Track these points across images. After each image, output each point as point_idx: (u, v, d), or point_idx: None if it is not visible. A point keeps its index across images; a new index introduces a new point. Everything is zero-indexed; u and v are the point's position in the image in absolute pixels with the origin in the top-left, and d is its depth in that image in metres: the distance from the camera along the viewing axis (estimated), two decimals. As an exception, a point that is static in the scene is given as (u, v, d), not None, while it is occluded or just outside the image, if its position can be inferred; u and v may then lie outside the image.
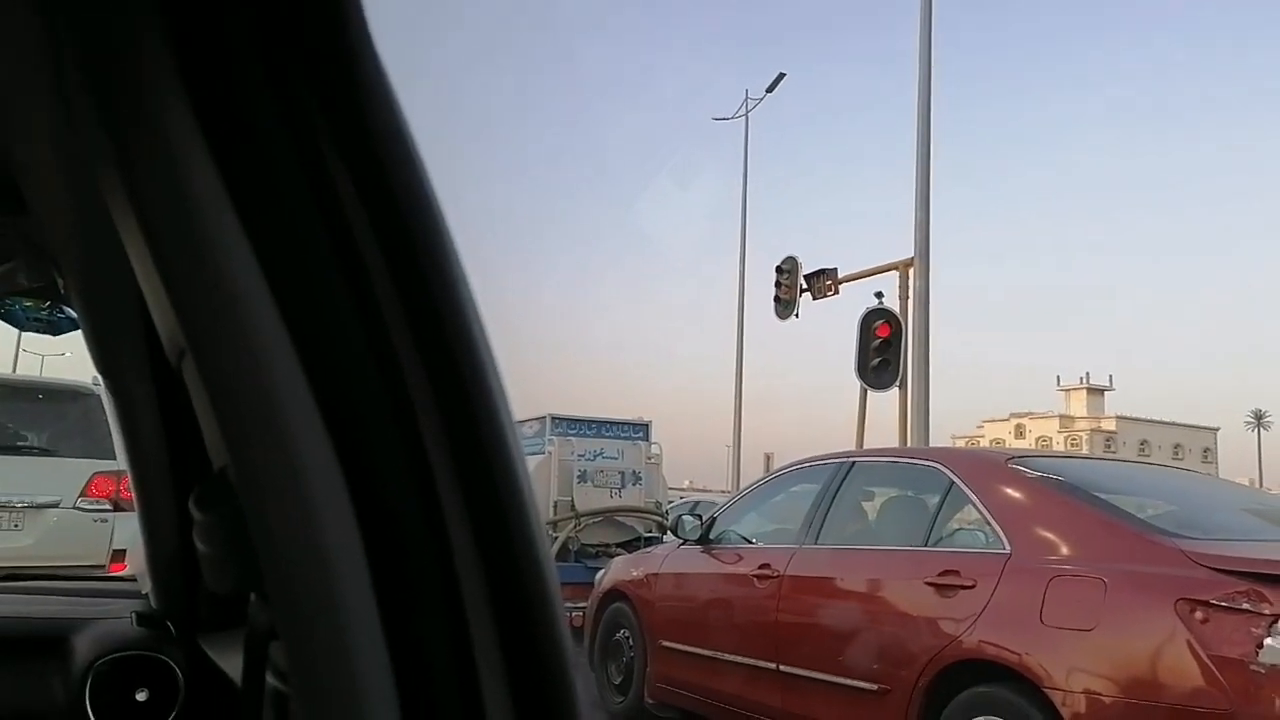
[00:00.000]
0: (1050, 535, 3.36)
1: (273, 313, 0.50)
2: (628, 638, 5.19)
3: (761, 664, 4.18)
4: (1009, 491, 3.61)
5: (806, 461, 4.80)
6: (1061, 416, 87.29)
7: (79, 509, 6.54)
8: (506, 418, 0.53)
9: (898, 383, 11.45)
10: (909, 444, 11.01)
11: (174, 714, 1.26)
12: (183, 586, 1.26)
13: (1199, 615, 2.81)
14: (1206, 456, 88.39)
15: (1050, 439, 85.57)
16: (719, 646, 4.47)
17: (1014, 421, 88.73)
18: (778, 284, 14.39)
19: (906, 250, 11.99)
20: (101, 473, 6.49)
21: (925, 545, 3.76)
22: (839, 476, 4.35)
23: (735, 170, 26.66)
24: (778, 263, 14.62)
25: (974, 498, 3.65)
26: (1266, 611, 2.71)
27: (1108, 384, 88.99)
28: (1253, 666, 2.68)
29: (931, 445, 11.09)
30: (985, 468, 3.84)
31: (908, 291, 11.79)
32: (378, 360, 0.51)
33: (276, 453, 0.49)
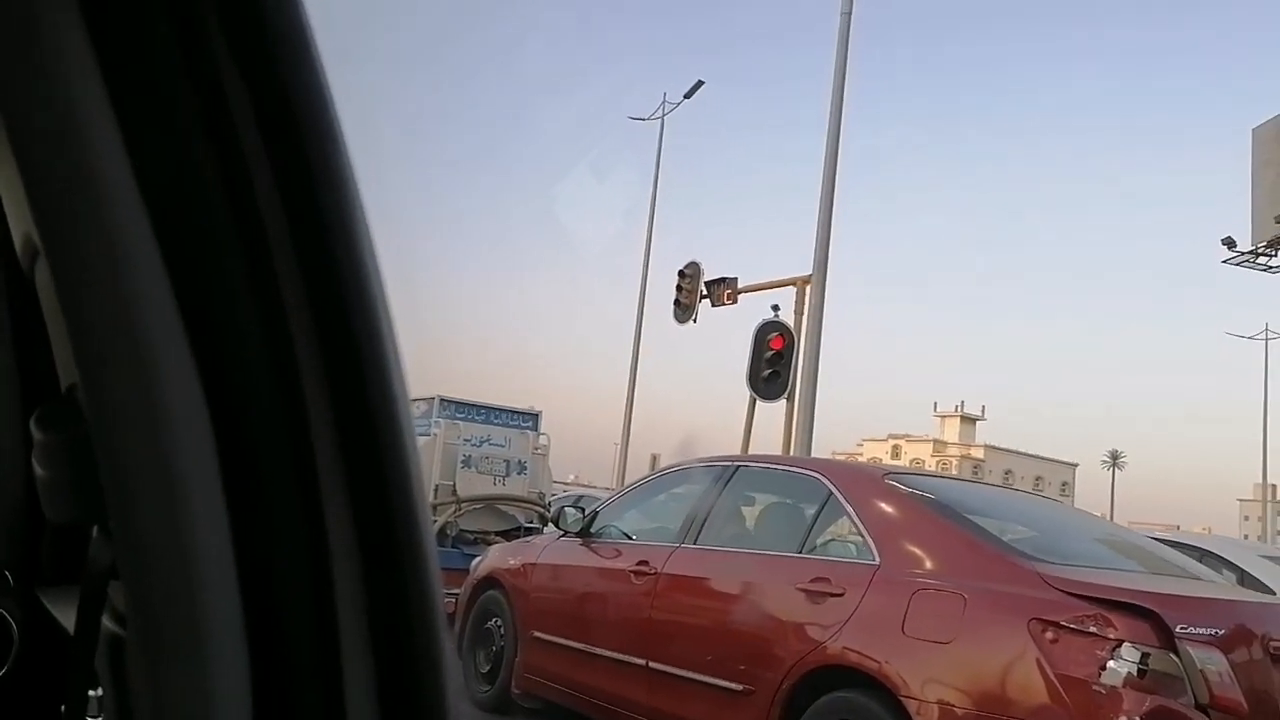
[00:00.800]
0: (918, 550, 3.48)
1: (143, 220, 0.45)
2: (499, 626, 5.13)
3: (632, 659, 4.19)
4: (883, 506, 3.72)
5: (692, 462, 4.84)
6: (935, 441, 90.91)
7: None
8: (395, 367, 0.50)
9: (786, 394, 11.65)
10: (792, 453, 11.29)
11: (4, 669, 1.17)
12: (23, 532, 1.16)
13: (1049, 635, 2.95)
14: (1064, 490, 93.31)
15: (923, 461, 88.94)
16: (591, 640, 4.46)
17: (891, 442, 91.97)
18: (679, 288, 14.45)
19: (804, 268, 12.23)
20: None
21: (800, 552, 3.85)
22: (723, 479, 4.40)
23: (649, 171, 26.71)
24: (680, 267, 14.72)
25: (850, 509, 3.75)
26: (1111, 635, 2.86)
27: (980, 414, 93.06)
28: (1095, 687, 2.83)
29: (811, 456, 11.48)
30: (863, 481, 3.95)
31: (803, 307, 12.00)
32: (257, 285, 0.47)
33: (132, 371, 0.45)
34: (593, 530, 4.82)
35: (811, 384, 11.56)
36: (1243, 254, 27.45)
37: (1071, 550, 3.67)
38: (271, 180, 0.47)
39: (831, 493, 3.88)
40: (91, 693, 0.70)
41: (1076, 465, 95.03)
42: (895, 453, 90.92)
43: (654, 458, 26.29)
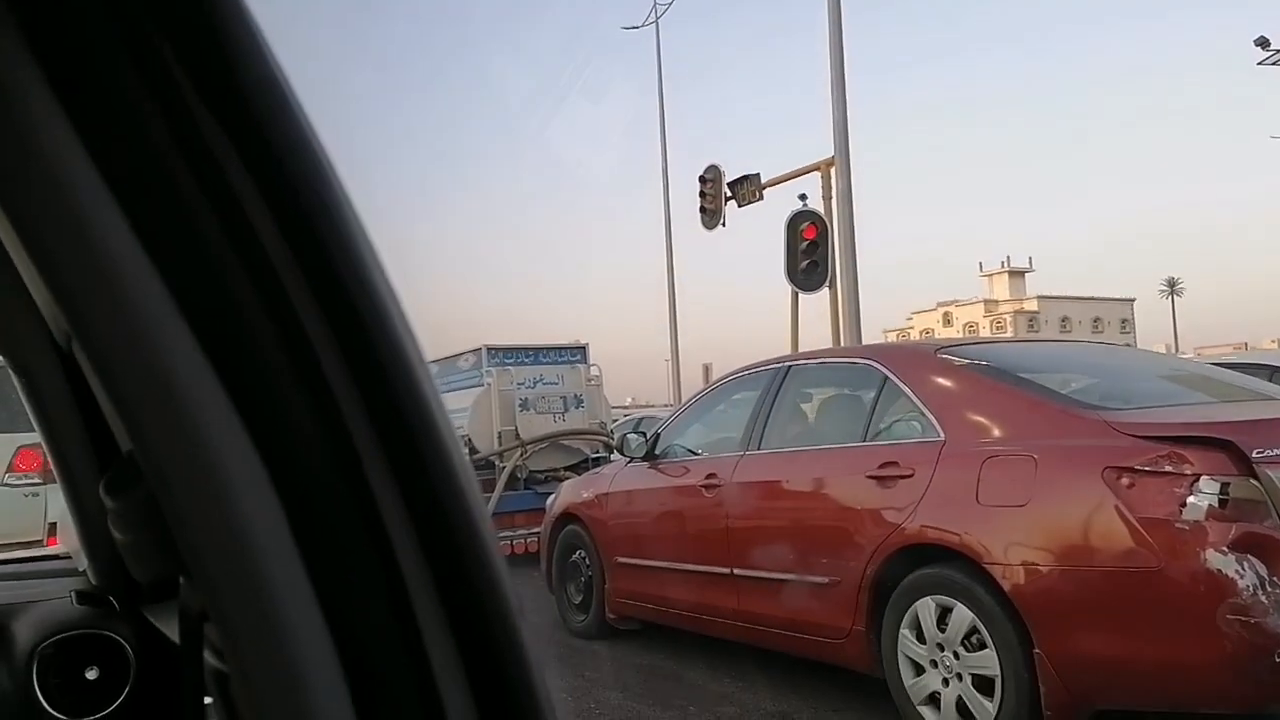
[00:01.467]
0: (981, 419, 3.47)
1: (156, 285, 0.46)
2: (584, 558, 5.26)
3: (715, 570, 4.28)
4: (940, 381, 3.70)
5: (744, 370, 4.85)
6: (986, 301, 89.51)
7: (7, 485, 6.34)
8: (422, 370, 0.50)
9: (827, 283, 11.48)
10: (842, 342, 11.14)
11: (127, 689, 1.24)
12: (120, 560, 1.22)
13: (1125, 481, 2.94)
14: (1124, 327, 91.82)
15: (976, 324, 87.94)
16: (673, 558, 4.56)
17: (941, 310, 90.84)
18: (702, 194, 14.25)
19: (827, 150, 11.87)
20: (25, 446, 6.28)
21: (864, 440, 3.86)
22: (776, 381, 4.41)
23: (650, 82, 26.15)
24: (700, 173, 14.42)
25: (907, 390, 3.74)
26: (1188, 471, 2.85)
27: (1028, 265, 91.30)
28: (1177, 524, 2.82)
29: (864, 341, 11.28)
30: (916, 360, 3.92)
31: (830, 191, 11.71)
32: (274, 322, 0.48)
33: (176, 434, 0.46)
34: (657, 452, 4.88)
35: (851, 268, 11.30)
36: (1276, 51, 26.53)
37: (1136, 393, 3.62)
38: (268, 215, 0.47)
39: (887, 377, 3.87)
40: (207, 700, 0.72)
41: (1134, 300, 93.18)
42: (946, 320, 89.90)
43: (706, 368, 26.33)
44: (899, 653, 3.47)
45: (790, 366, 4.50)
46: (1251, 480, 2.81)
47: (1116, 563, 2.92)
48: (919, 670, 3.41)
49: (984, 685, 3.20)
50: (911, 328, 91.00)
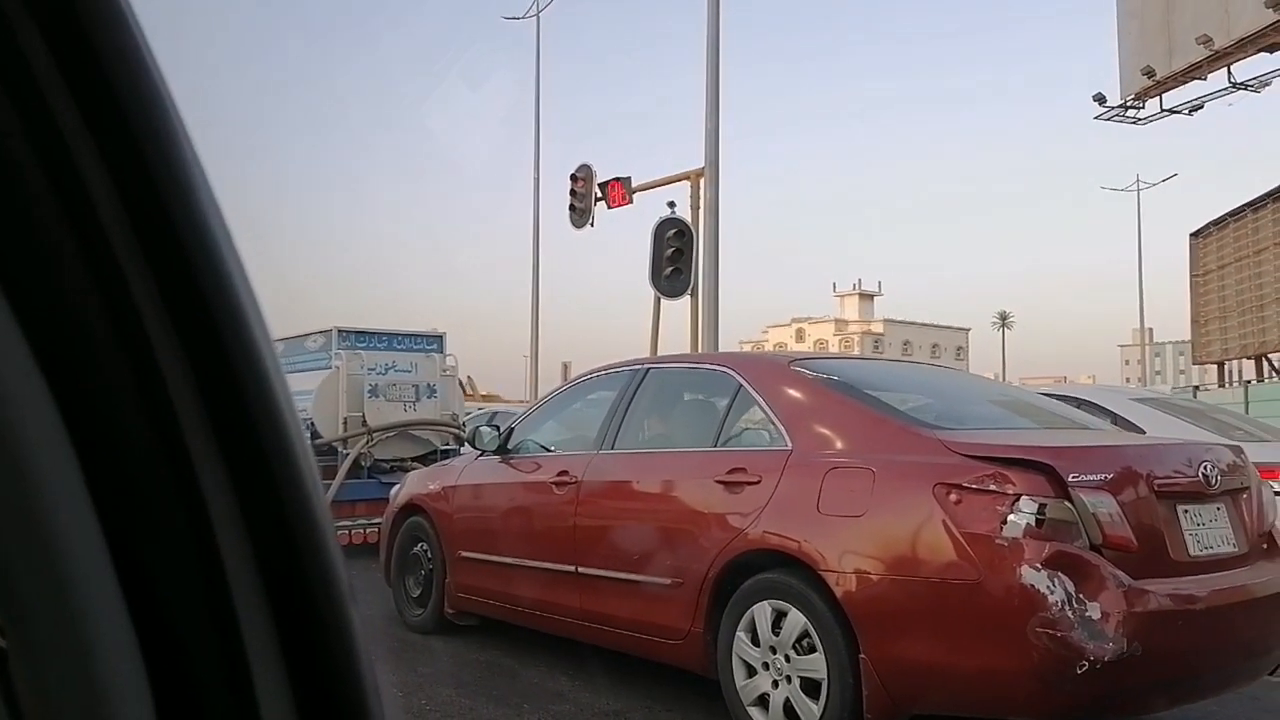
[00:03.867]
0: (827, 431, 3.59)
1: None
2: (426, 551, 5.14)
3: (561, 568, 4.26)
4: (791, 392, 3.81)
5: (603, 369, 4.85)
6: (837, 320, 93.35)
7: None
8: (261, 336, 0.47)
9: (689, 290, 11.61)
10: (700, 349, 11.31)
11: None
12: None
13: (953, 497, 3.10)
14: (959, 354, 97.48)
15: (826, 341, 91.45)
16: (519, 553, 4.51)
17: (795, 326, 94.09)
18: (572, 192, 14.15)
19: (697, 161, 12.03)
20: None
21: (716, 445, 3.93)
22: (634, 383, 4.43)
23: (530, 74, 25.83)
24: (572, 170, 14.37)
25: (759, 399, 3.83)
26: (1009, 491, 3.03)
27: (877, 289, 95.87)
28: (998, 540, 2.99)
29: (721, 350, 11.58)
30: (770, 370, 4.03)
31: (699, 201, 11.88)
32: (89, 265, 0.44)
33: None
34: (510, 446, 4.83)
35: (713, 277, 11.51)
36: (1113, 108, 27.59)
37: (969, 415, 3.84)
38: (91, 141, 0.43)
39: (741, 385, 3.95)
40: None
41: (969, 330, 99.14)
42: (799, 335, 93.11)
43: (565, 366, 26.35)
44: (733, 655, 3.55)
45: (649, 369, 4.53)
46: (1066, 502, 3.01)
47: (940, 574, 3.08)
48: (751, 672, 3.50)
49: (811, 688, 3.31)
50: (766, 340, 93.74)
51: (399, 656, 4.69)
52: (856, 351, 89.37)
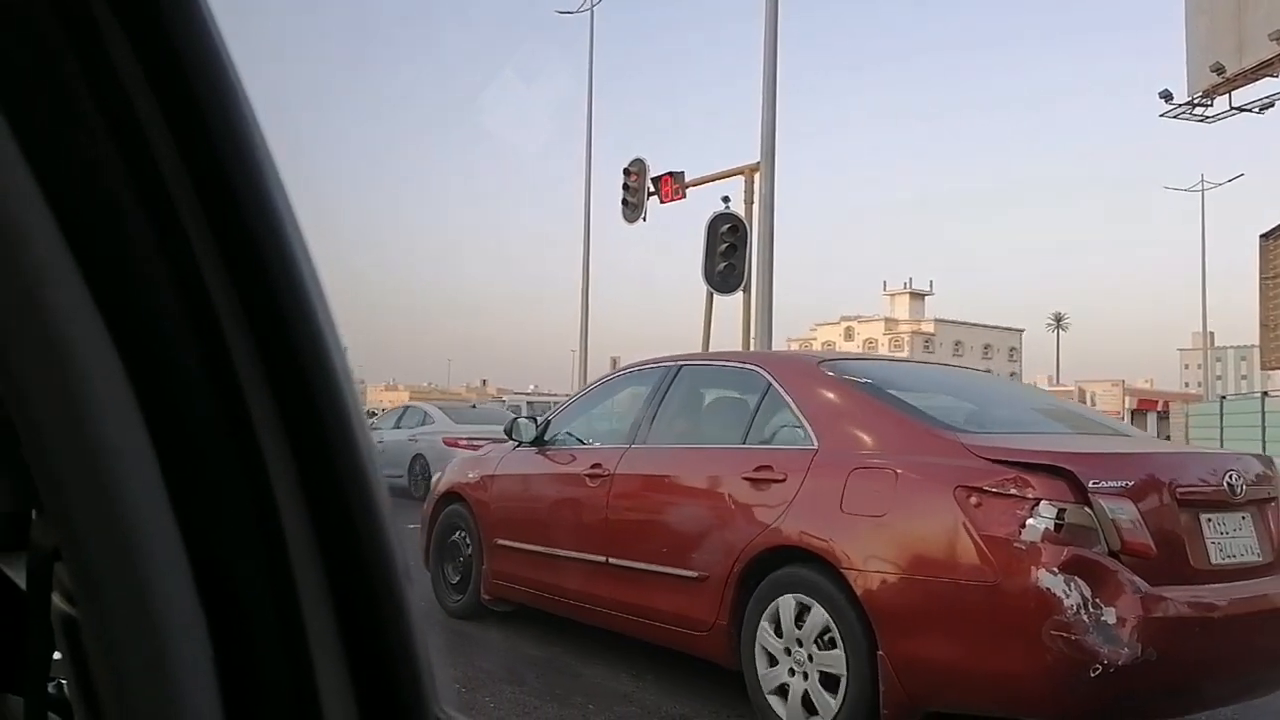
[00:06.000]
0: (852, 431, 3.66)
1: (40, 205, 0.43)
2: (464, 538, 5.30)
3: (592, 558, 4.38)
4: (819, 392, 3.88)
5: (638, 365, 4.96)
6: (886, 319, 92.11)
7: None
8: (325, 318, 0.48)
9: (742, 286, 11.52)
10: (752, 346, 11.22)
11: None
12: None
13: (973, 500, 3.15)
14: (1012, 356, 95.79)
15: (876, 340, 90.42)
16: (553, 543, 4.64)
17: (844, 325, 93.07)
18: (625, 186, 14.17)
19: (748, 159, 11.95)
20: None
21: (744, 443, 4.02)
22: (668, 379, 4.53)
23: (583, 67, 25.84)
24: (625, 165, 14.35)
25: (788, 398, 3.91)
26: (1029, 495, 3.07)
27: (928, 288, 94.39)
28: (1016, 544, 3.04)
29: (773, 347, 11.41)
30: (799, 370, 4.10)
31: (753, 196, 11.75)
32: (168, 254, 0.46)
33: (43, 350, 0.43)
34: (546, 438, 4.96)
35: (767, 274, 11.32)
36: (1179, 106, 27.16)
37: (993, 418, 3.88)
38: (173, 144, 0.45)
39: (770, 384, 4.03)
40: (56, 656, 0.67)
41: (1023, 331, 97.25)
42: (848, 335, 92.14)
43: (614, 361, 26.26)
44: (757, 645, 3.63)
45: (682, 366, 4.63)
46: (1085, 508, 3.05)
47: (958, 575, 3.14)
48: (773, 662, 3.58)
49: (830, 682, 3.38)
50: (814, 339, 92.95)
51: (458, 651, 4.69)
52: (906, 351, 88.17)
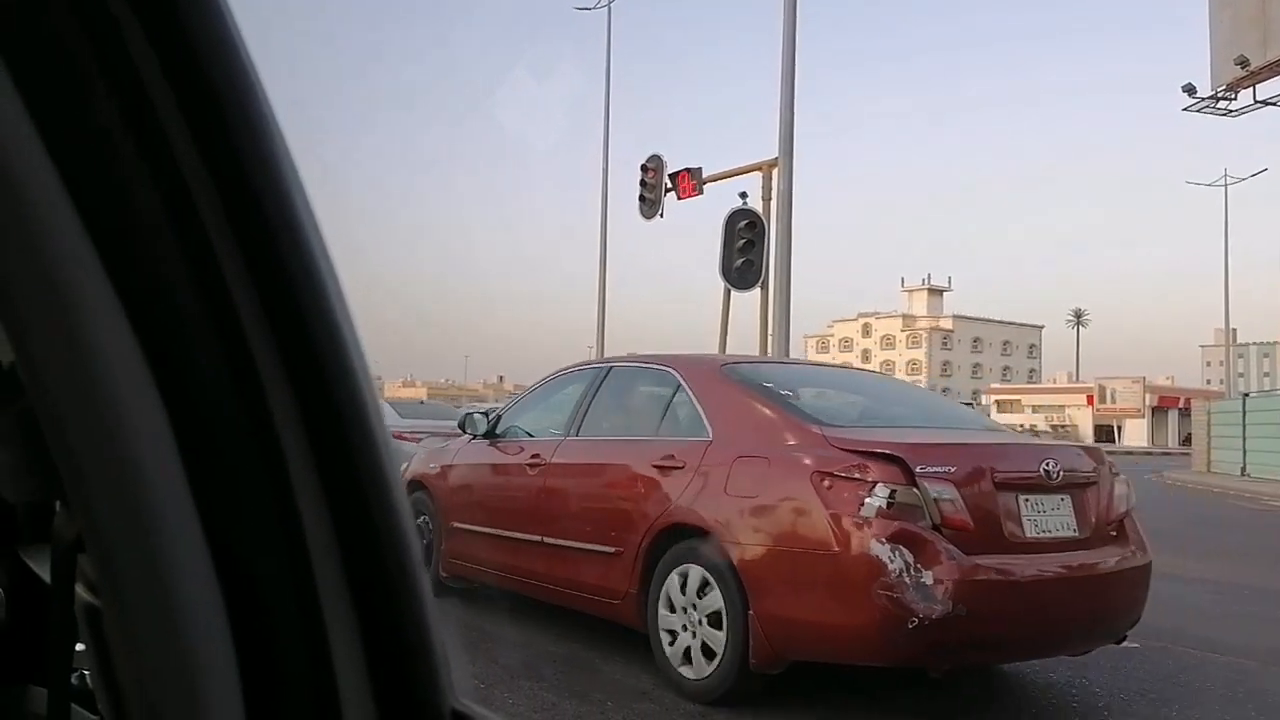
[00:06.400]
0: (739, 425, 4.25)
1: (62, 196, 0.44)
2: (427, 523, 5.93)
3: (530, 538, 4.99)
4: (717, 391, 4.47)
5: (578, 366, 5.57)
6: (904, 316, 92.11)
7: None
8: (344, 315, 0.49)
9: (759, 283, 11.40)
10: (769, 343, 11.12)
11: None
12: None
13: (826, 483, 3.73)
14: (1032, 352, 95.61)
15: (894, 337, 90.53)
16: (498, 525, 5.26)
17: (861, 321, 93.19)
18: (642, 183, 14.09)
19: (769, 154, 11.66)
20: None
21: (656, 435, 4.61)
22: (599, 379, 5.14)
23: (599, 64, 25.65)
24: (642, 161, 14.15)
25: (692, 396, 4.51)
26: (868, 479, 3.65)
27: (946, 285, 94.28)
28: (855, 519, 3.62)
29: (791, 343, 11.15)
30: (704, 372, 4.69)
31: (771, 192, 11.64)
32: (190, 253, 0.47)
33: (66, 343, 0.44)
34: (497, 431, 5.58)
35: (785, 270, 11.11)
36: (1203, 100, 26.93)
37: (864, 414, 4.46)
38: (196, 153, 0.46)
39: (680, 384, 4.63)
40: (79, 646, 0.68)
41: (1042, 327, 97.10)
42: (866, 330, 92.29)
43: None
44: (659, 609, 4.23)
45: (612, 366, 5.24)
46: (914, 489, 3.63)
47: (810, 546, 3.72)
48: (670, 624, 4.17)
49: (715, 639, 3.97)
50: (831, 335, 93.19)
51: (476, 648, 4.72)
52: (924, 348, 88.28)
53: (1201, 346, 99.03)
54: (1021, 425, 69.52)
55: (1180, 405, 71.87)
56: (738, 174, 12.70)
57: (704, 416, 4.39)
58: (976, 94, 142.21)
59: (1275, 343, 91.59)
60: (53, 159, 0.44)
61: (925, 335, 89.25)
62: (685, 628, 4.10)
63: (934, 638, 3.50)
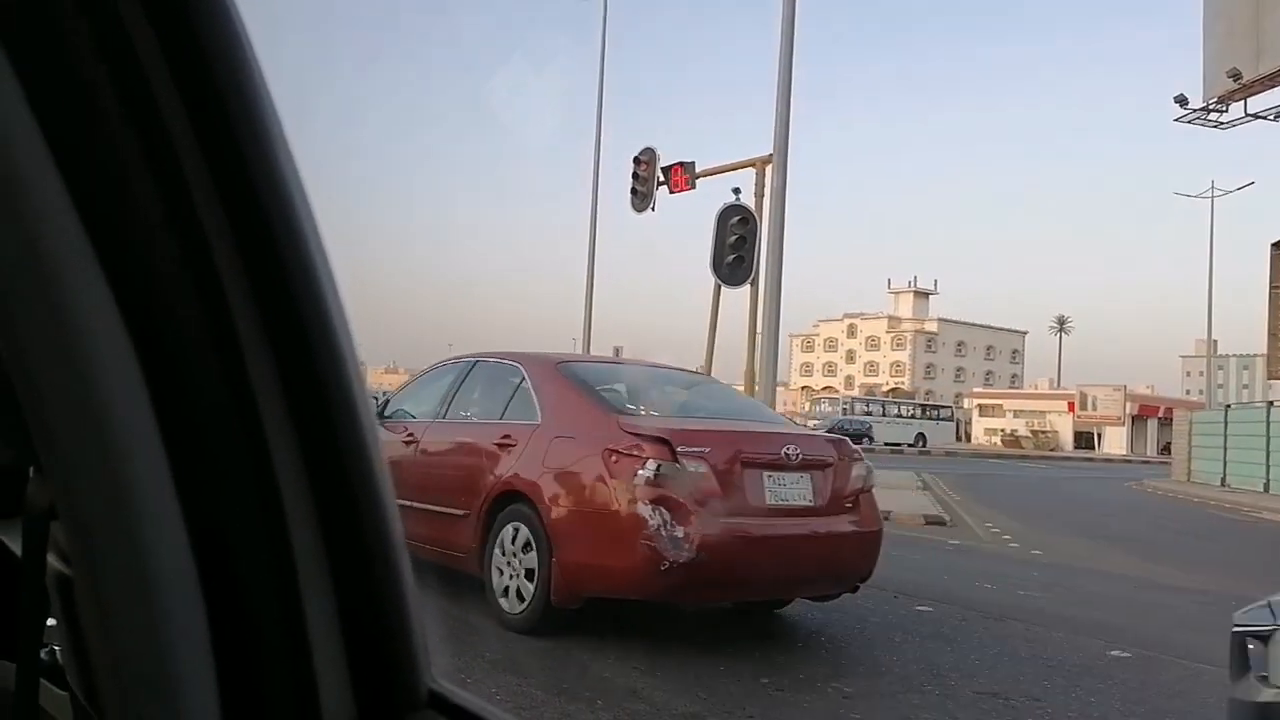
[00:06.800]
0: (560, 412, 5.23)
1: (44, 154, 0.43)
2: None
3: (408, 504, 5.95)
4: (549, 385, 5.45)
5: (453, 359, 6.55)
6: (890, 317, 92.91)
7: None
8: (334, 300, 0.49)
9: (750, 279, 11.36)
10: (758, 338, 11.17)
11: None
12: None
13: (613, 459, 4.71)
14: (1015, 358, 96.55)
15: (878, 338, 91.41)
16: (383, 491, 6.22)
17: (847, 321, 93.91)
18: (635, 175, 13.95)
19: (763, 151, 11.59)
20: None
21: (500, 419, 5.58)
22: (466, 370, 6.11)
23: (591, 57, 25.04)
24: (635, 154, 13.95)
25: (530, 388, 5.48)
26: (644, 455, 4.62)
27: (933, 288, 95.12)
28: (630, 486, 4.60)
29: (779, 340, 11.23)
30: (542, 368, 5.66)
31: (764, 188, 11.55)
32: (177, 224, 0.46)
33: (46, 310, 0.43)
34: (385, 414, 6.54)
35: (776, 267, 11.06)
36: (1194, 111, 26.56)
37: (661, 405, 5.44)
38: (190, 131, 0.46)
39: (523, 377, 5.60)
40: (50, 621, 0.68)
41: (1026, 333, 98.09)
42: (851, 331, 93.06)
43: (617, 350, 25.48)
44: (493, 559, 5.20)
45: (476, 361, 6.21)
46: (676, 464, 4.60)
47: (598, 507, 4.70)
48: (500, 571, 5.14)
49: (530, 580, 4.94)
50: (817, 335, 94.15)
51: (463, 641, 4.76)
52: (908, 350, 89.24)
53: (1182, 357, 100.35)
54: (1003, 430, 70.74)
55: (1160, 414, 72.66)
56: (731, 169, 12.61)
57: (537, 404, 5.36)
58: (969, 96, 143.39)
59: (1255, 355, 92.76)
60: (51, 146, 0.43)
61: (910, 338, 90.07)
62: (511, 573, 5.08)
63: (682, 578, 4.48)
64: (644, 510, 4.55)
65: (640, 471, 4.61)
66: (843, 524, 4.96)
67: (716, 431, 4.97)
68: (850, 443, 5.28)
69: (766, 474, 4.79)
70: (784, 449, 4.84)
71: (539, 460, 5.07)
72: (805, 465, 4.90)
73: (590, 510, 4.74)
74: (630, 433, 4.77)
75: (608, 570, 4.67)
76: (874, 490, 5.24)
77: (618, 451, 4.72)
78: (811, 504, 4.89)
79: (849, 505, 5.06)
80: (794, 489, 4.86)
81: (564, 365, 5.66)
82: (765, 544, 4.67)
